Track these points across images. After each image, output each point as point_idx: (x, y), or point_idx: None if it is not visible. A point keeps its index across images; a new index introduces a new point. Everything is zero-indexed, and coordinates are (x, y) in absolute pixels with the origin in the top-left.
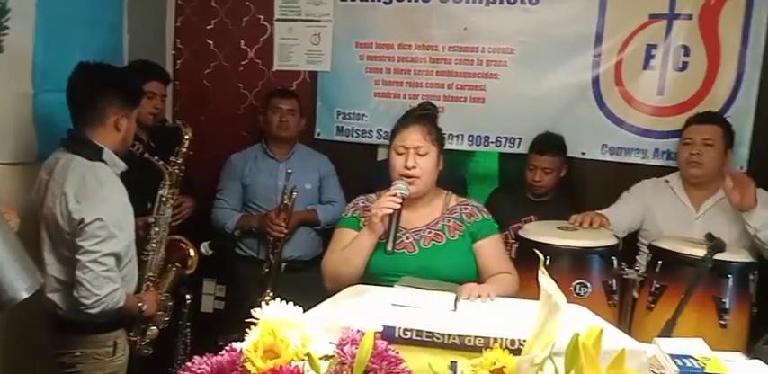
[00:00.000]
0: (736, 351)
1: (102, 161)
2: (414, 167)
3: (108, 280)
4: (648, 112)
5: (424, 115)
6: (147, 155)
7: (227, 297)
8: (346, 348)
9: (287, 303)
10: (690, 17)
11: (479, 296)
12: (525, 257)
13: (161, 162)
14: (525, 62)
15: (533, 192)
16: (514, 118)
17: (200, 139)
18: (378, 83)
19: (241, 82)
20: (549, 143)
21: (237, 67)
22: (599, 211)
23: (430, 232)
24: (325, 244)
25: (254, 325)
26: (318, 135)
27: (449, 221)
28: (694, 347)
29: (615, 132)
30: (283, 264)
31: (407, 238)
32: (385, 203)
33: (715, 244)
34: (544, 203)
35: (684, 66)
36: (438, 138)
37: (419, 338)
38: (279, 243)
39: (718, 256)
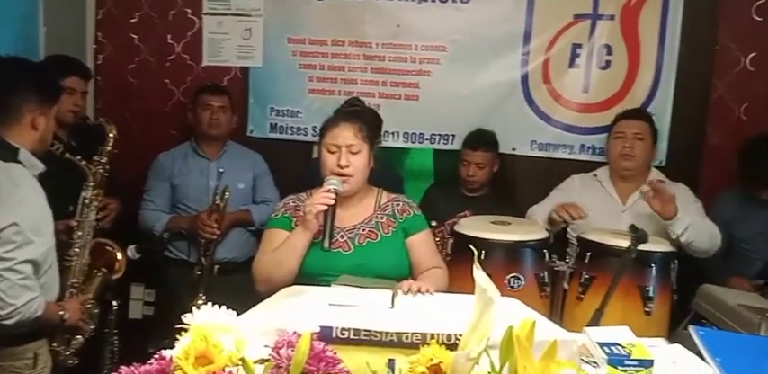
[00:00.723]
0: (659, 336)
1: (19, 162)
2: (347, 166)
3: (25, 288)
4: (575, 109)
5: (353, 112)
6: (68, 154)
7: (156, 302)
8: (282, 351)
9: (220, 307)
10: (612, 18)
11: (419, 289)
12: (461, 252)
13: (83, 162)
14: (457, 60)
15: (468, 188)
16: (448, 115)
17: (126, 137)
18: (312, 79)
19: (168, 77)
20: (482, 139)
21: (164, 63)
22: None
23: (364, 230)
24: (259, 244)
25: (185, 330)
26: (251, 132)
27: (382, 218)
28: (621, 335)
29: (543, 128)
30: (216, 267)
31: (342, 237)
32: (319, 200)
33: (638, 235)
34: (478, 198)
35: (607, 64)
36: (369, 135)
37: (357, 337)
38: (211, 245)
39: (642, 247)
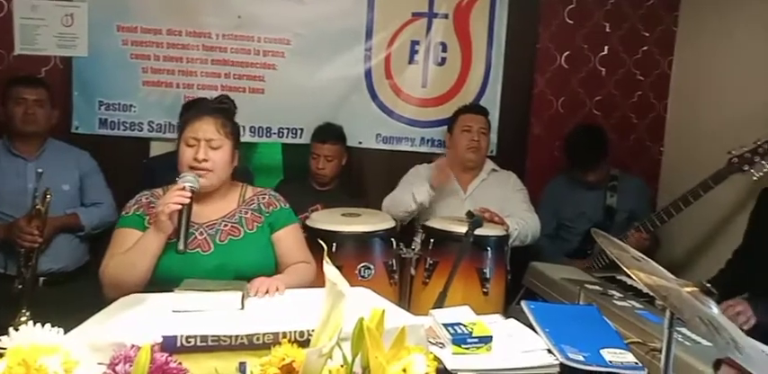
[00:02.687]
0: (497, 313)
1: None
2: (205, 160)
3: None
4: (415, 104)
5: (220, 109)
6: None
7: None
8: (119, 367)
9: (44, 324)
10: (446, 16)
11: (267, 291)
12: (313, 246)
13: None
14: (302, 54)
15: (318, 182)
16: (295, 109)
17: None
18: (146, 70)
19: None
20: (330, 132)
21: None
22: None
23: (226, 225)
24: (92, 251)
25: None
26: (77, 129)
27: (246, 213)
28: (463, 314)
29: (387, 122)
30: (41, 279)
31: (201, 234)
32: (172, 198)
33: (474, 220)
34: (329, 192)
35: (443, 61)
36: (233, 132)
37: (204, 344)
38: (33, 254)
39: (478, 231)
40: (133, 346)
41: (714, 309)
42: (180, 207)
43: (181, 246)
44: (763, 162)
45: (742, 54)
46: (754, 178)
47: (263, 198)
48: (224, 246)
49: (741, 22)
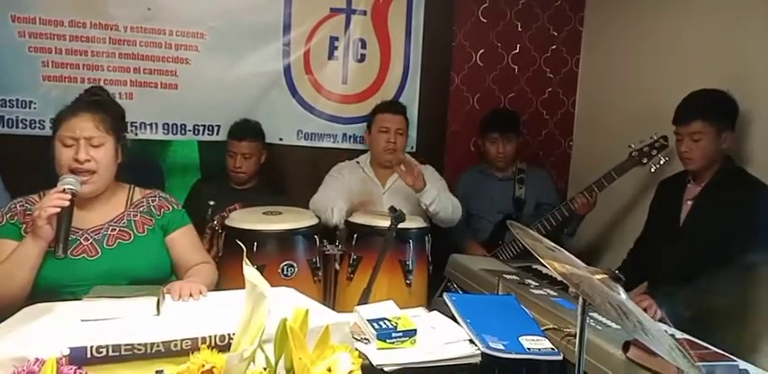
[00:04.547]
0: (420, 305)
1: None
2: (87, 160)
3: None
4: (336, 100)
5: (95, 101)
6: None
7: None
8: None
9: None
10: (365, 13)
11: (191, 295)
12: (233, 246)
13: None
14: (217, 48)
15: (236, 180)
16: (211, 105)
17: None
18: (46, 64)
19: None
20: (247, 129)
21: None
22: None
23: (114, 230)
24: None
25: None
26: None
27: (135, 216)
28: (387, 309)
29: (308, 119)
30: None
31: (86, 240)
32: (50, 201)
33: (397, 215)
34: (248, 190)
35: (363, 57)
36: (114, 126)
37: (117, 353)
38: None
39: (401, 225)
40: (37, 360)
41: (622, 295)
42: (58, 210)
43: (59, 252)
44: (660, 155)
45: (643, 54)
46: (652, 170)
47: (154, 200)
48: (113, 251)
49: (642, 23)
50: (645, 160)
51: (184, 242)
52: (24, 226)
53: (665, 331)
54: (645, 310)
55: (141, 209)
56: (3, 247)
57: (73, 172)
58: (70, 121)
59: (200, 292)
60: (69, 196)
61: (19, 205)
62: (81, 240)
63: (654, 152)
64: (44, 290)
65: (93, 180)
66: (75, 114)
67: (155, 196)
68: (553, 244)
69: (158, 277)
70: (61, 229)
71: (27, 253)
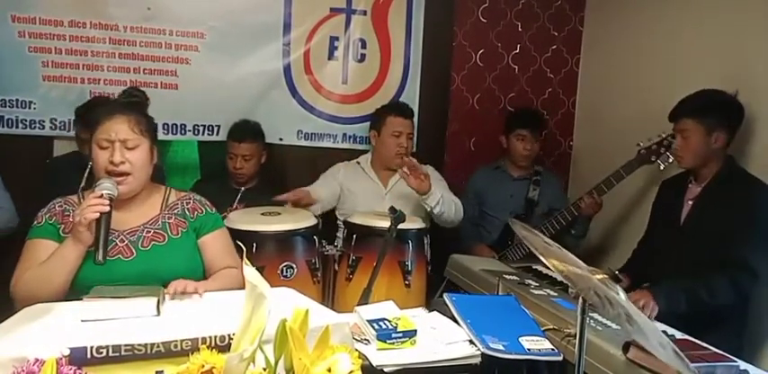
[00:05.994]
0: (419, 306)
1: None
2: (122, 163)
3: None
4: (336, 100)
5: (132, 103)
6: None
7: None
8: None
9: None
10: (365, 13)
11: (184, 289)
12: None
13: None
14: (217, 48)
15: (237, 181)
16: (211, 105)
17: None
18: (46, 64)
19: None
20: (247, 130)
21: None
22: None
23: (149, 232)
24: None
25: None
26: None
27: (170, 218)
28: (387, 309)
29: (308, 119)
30: None
31: (122, 241)
32: (90, 207)
33: (396, 216)
34: (249, 191)
35: (363, 57)
36: (149, 128)
37: (117, 354)
38: None
39: (400, 226)
40: (37, 360)
41: (621, 295)
42: (98, 215)
43: (99, 257)
44: (668, 153)
45: (643, 54)
46: (661, 168)
47: (188, 203)
48: (147, 252)
49: (642, 23)
50: (653, 158)
51: (216, 245)
52: (62, 226)
53: (665, 331)
54: (642, 308)
55: (176, 211)
56: (42, 248)
57: (108, 173)
58: (105, 124)
59: (196, 291)
60: (108, 201)
61: (58, 205)
62: (117, 241)
63: (662, 150)
64: (80, 290)
65: (128, 181)
66: (111, 116)
67: (189, 199)
68: (554, 242)
69: (191, 279)
70: (100, 234)
71: (66, 257)
